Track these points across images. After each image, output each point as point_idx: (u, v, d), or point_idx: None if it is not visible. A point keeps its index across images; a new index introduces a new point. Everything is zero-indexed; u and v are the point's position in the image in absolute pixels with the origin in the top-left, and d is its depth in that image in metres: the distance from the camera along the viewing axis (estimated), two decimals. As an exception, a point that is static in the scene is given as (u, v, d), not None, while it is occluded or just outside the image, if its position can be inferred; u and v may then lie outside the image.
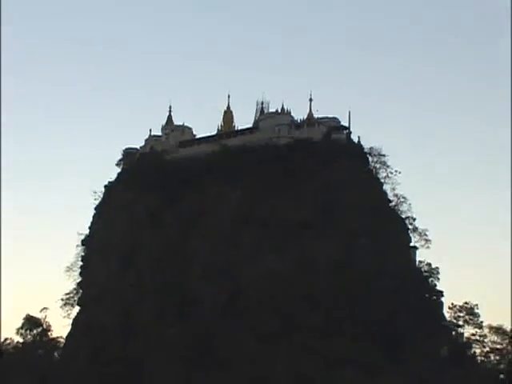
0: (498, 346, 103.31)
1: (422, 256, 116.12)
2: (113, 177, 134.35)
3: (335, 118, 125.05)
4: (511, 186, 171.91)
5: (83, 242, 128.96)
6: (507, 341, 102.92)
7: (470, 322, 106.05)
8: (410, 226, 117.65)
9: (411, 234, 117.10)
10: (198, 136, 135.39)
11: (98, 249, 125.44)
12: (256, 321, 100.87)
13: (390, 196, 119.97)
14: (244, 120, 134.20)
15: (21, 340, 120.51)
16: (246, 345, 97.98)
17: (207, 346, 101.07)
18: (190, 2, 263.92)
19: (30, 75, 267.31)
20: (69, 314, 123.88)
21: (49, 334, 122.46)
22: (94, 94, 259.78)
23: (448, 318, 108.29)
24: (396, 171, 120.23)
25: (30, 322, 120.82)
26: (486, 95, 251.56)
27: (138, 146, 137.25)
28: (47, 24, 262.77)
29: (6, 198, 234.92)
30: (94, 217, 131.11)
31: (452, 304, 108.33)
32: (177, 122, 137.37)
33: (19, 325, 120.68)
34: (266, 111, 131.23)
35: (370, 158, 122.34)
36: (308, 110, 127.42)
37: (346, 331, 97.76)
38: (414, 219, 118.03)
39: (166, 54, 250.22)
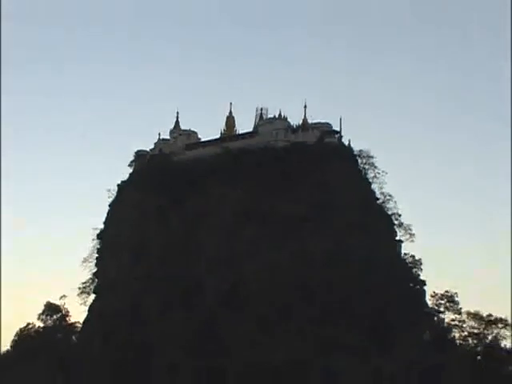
0: (476, 331, 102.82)
1: (406, 249, 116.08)
2: (125, 177, 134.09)
3: (327, 124, 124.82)
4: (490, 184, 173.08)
5: (98, 236, 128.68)
6: (483, 326, 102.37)
7: (450, 308, 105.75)
8: (395, 222, 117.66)
9: (397, 229, 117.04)
10: (202, 139, 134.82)
11: (111, 242, 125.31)
12: (256, 310, 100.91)
13: (378, 194, 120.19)
14: (245, 125, 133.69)
15: (42, 325, 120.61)
16: (246, 332, 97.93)
17: (210, 332, 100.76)
18: (196, 22, 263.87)
19: (48, 82, 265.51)
20: (85, 302, 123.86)
21: (67, 319, 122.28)
22: (108, 102, 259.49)
23: (430, 306, 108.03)
24: (383, 171, 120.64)
25: (51, 309, 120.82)
26: (470, 98, 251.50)
27: (148, 149, 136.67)
28: (67, 28, 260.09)
29: (33, 196, 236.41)
30: (107, 213, 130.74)
31: (434, 292, 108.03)
32: (183, 126, 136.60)
33: (40, 311, 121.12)
34: (264, 117, 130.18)
35: (359, 160, 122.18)
36: (303, 116, 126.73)
37: (339, 319, 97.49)
38: (400, 215, 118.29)
39: (174, 67, 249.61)
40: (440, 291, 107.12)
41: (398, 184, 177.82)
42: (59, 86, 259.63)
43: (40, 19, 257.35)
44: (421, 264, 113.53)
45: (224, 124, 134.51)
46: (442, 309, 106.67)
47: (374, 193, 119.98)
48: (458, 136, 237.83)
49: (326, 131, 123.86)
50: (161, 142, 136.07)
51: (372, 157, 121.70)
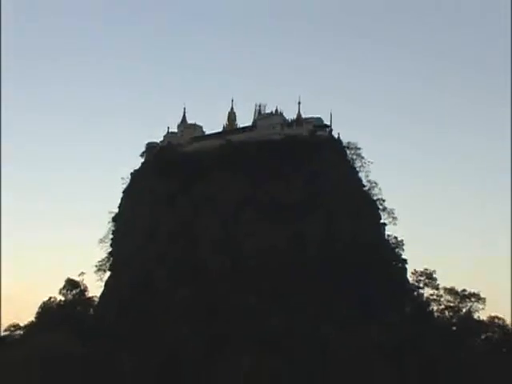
0: (451, 304, 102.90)
1: (389, 231, 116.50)
2: (137, 166, 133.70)
3: (319, 118, 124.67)
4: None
5: (113, 219, 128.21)
6: (459, 300, 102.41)
7: (429, 284, 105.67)
8: (380, 207, 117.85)
9: (381, 213, 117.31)
10: (207, 133, 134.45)
11: (125, 225, 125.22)
12: (254, 285, 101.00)
13: (364, 182, 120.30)
14: (244, 120, 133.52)
15: (63, 298, 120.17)
16: (246, 304, 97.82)
17: (213, 305, 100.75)
18: (202, 25, 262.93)
19: (70, 78, 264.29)
20: (101, 278, 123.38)
21: (85, 294, 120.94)
22: (121, 99, 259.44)
23: (411, 282, 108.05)
24: (369, 161, 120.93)
25: (70, 284, 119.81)
26: (454, 93, 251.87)
27: (158, 141, 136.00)
28: (77, 27, 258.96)
29: (57, 183, 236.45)
30: (122, 199, 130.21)
31: (414, 270, 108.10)
32: (190, 121, 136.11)
33: (61, 286, 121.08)
34: (262, 112, 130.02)
35: (348, 151, 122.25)
36: (297, 112, 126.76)
37: (329, 293, 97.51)
38: (384, 200, 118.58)
39: (182, 67, 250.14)
40: (420, 269, 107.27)
41: (382, 172, 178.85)
42: (78, 82, 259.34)
43: (54, 11, 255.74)
44: (403, 245, 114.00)
45: (226, 119, 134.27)
46: (421, 285, 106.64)
47: (360, 180, 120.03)
48: (438, 127, 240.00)
49: (318, 125, 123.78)
50: (169, 135, 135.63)
51: (359, 148, 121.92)
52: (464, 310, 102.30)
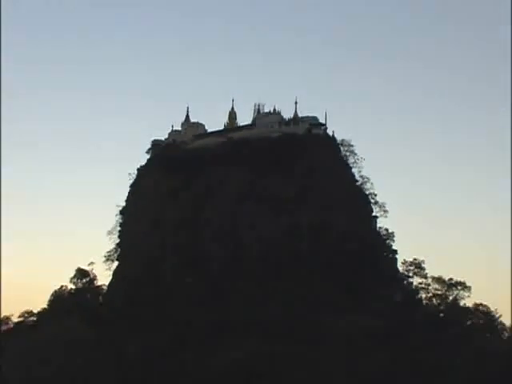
0: (439, 292, 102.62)
1: (381, 223, 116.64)
2: (143, 162, 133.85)
3: (315, 117, 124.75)
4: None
5: (121, 212, 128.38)
6: (446, 288, 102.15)
7: (418, 273, 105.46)
8: (372, 200, 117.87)
9: (373, 206, 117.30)
10: (209, 130, 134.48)
11: (131, 217, 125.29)
12: (253, 273, 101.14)
13: (357, 177, 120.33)
14: (244, 118, 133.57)
15: (73, 287, 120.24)
16: (245, 290, 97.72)
17: (215, 291, 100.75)
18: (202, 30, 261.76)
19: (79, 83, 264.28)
20: (110, 267, 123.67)
21: (94, 282, 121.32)
22: (129, 99, 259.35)
23: (401, 271, 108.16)
24: (361, 158, 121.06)
25: (81, 273, 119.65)
26: (438, 91, 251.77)
27: (163, 138, 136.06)
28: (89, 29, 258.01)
29: (69, 181, 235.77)
30: (128, 193, 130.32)
31: (404, 260, 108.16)
32: (193, 119, 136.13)
33: (72, 275, 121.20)
34: (261, 112, 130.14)
35: (342, 148, 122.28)
36: (294, 111, 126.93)
37: (323, 279, 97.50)
38: (375, 195, 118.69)
39: (186, 69, 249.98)
40: (409, 259, 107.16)
41: (374, 168, 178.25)
42: (88, 86, 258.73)
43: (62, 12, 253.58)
44: (393, 236, 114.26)
45: (227, 117, 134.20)
46: (410, 274, 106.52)
47: (353, 176, 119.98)
48: (426, 125, 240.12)
49: (314, 124, 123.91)
50: (173, 133, 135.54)
51: (352, 145, 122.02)
52: (451, 298, 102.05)
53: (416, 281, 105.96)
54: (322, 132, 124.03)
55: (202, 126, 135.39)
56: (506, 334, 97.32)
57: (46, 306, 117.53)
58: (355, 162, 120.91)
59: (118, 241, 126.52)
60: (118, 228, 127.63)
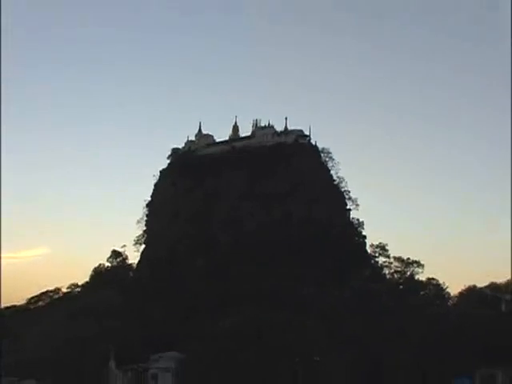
0: (399, 269, 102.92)
1: (353, 214, 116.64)
2: (165, 165, 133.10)
3: (301, 130, 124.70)
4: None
5: (147, 205, 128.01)
6: (404, 266, 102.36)
7: (382, 254, 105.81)
8: (346, 196, 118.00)
9: (347, 201, 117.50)
10: (217, 140, 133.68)
11: (155, 210, 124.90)
12: (253, 256, 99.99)
13: (334, 177, 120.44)
14: (245, 131, 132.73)
15: (109, 265, 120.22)
16: (246, 270, 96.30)
17: (222, 271, 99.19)
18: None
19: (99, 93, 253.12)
20: (138, 249, 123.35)
21: (126, 261, 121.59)
22: (154, 115, 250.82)
23: (369, 252, 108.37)
24: (338, 162, 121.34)
25: (115, 254, 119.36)
26: (421, 98, 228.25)
27: (180, 147, 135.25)
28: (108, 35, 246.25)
29: (107, 181, 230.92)
30: (153, 190, 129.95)
31: (372, 244, 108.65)
32: (204, 131, 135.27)
33: (108, 255, 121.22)
34: (258, 125, 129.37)
35: (322, 155, 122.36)
36: (284, 125, 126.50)
37: (308, 260, 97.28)
38: (349, 191, 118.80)
39: (201, 91, 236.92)
40: (376, 243, 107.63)
41: (348, 170, 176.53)
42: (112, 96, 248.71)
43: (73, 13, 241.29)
44: (363, 225, 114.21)
45: (231, 130, 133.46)
46: (376, 255, 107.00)
47: (331, 176, 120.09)
48: (394, 130, 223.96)
49: (300, 135, 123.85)
50: (189, 142, 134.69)
51: (330, 152, 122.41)
52: (408, 273, 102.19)
53: (381, 260, 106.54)
54: (306, 142, 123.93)
55: (212, 136, 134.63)
56: (452, 302, 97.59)
57: (87, 280, 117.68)
58: (333, 165, 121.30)
59: (144, 228, 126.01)
60: (145, 218, 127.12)
